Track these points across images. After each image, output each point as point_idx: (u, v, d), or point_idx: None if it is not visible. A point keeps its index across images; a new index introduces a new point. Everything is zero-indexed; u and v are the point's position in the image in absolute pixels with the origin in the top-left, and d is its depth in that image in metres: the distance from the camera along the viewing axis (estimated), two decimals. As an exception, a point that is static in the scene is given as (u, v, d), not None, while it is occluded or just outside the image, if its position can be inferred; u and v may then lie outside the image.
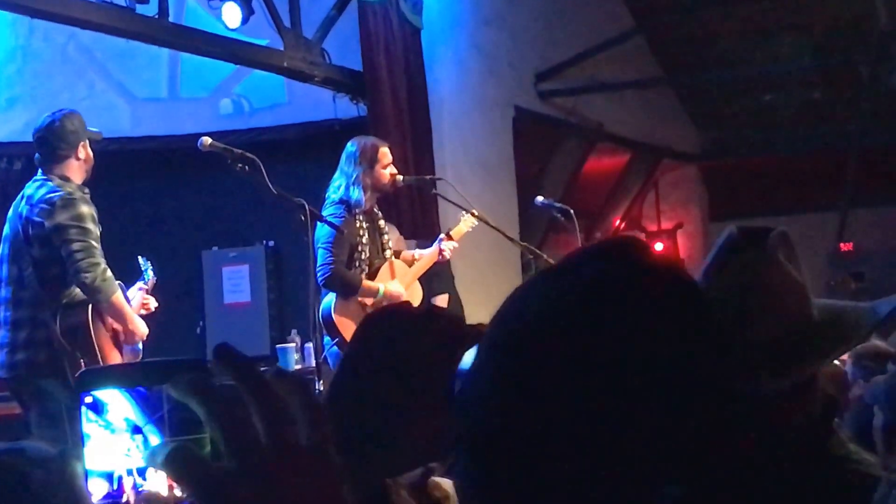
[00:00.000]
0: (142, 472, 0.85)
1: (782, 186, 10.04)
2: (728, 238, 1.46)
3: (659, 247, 10.35)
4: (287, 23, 6.20)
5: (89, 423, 0.82)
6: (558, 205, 5.85)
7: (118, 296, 4.07)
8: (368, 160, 4.82)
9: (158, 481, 0.87)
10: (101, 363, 3.99)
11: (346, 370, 0.92)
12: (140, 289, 4.42)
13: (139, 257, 4.60)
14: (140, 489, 0.85)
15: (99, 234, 4.11)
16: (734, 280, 1.42)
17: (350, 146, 4.90)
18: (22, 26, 6.75)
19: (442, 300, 5.56)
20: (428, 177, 5.96)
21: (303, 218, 4.40)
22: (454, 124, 7.16)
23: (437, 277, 5.48)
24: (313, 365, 4.80)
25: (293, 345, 5.61)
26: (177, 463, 0.65)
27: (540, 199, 5.92)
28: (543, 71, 8.24)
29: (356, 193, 4.78)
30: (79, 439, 0.84)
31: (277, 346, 5.73)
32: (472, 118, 7.41)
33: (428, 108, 6.85)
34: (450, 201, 5.52)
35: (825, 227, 9.38)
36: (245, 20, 5.93)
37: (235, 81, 7.21)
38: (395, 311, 0.96)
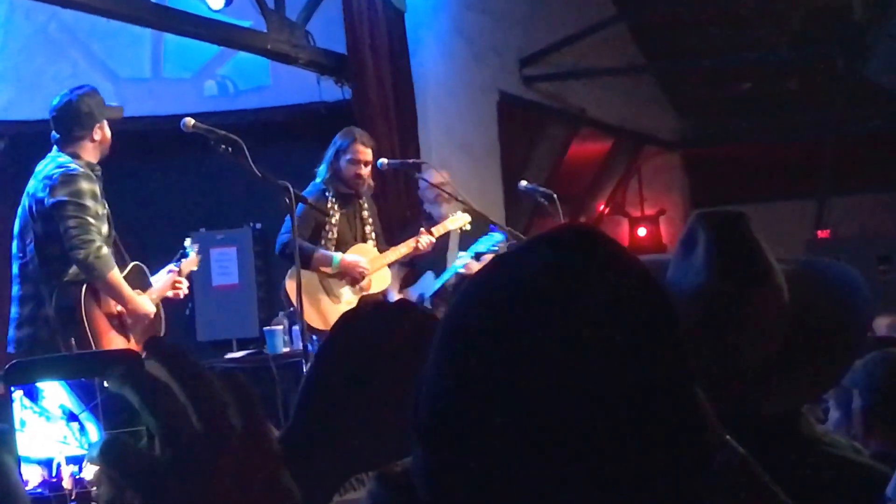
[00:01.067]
0: (79, 461, 0.84)
1: (761, 174, 10.11)
2: (713, 233, 1.36)
3: (642, 232, 10.46)
4: (271, 5, 6.15)
5: (24, 410, 0.81)
6: (542, 189, 5.86)
7: (114, 274, 4.01)
8: (336, 150, 5.02)
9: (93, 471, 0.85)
10: (93, 347, 3.94)
11: (320, 365, 0.92)
12: (170, 271, 4.39)
13: (187, 238, 4.59)
14: (78, 477, 0.85)
15: (102, 212, 4.07)
16: (728, 284, 1.33)
17: (339, 133, 5.11)
18: (2, 4, 6.67)
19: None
20: (412, 161, 5.98)
21: (287, 201, 4.41)
22: (439, 108, 7.15)
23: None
24: (301, 347, 4.83)
25: (280, 327, 5.58)
26: (112, 454, 0.65)
27: (524, 183, 5.91)
28: (527, 56, 8.25)
29: (322, 171, 5.04)
30: (10, 428, 0.83)
31: (265, 328, 5.71)
32: (456, 102, 7.40)
33: (413, 92, 6.81)
34: (434, 185, 5.54)
35: (803, 214, 9.48)
36: (229, 2, 5.90)
37: (219, 63, 7.16)
38: (368, 306, 0.97)
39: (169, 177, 7.03)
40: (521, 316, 0.74)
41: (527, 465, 0.72)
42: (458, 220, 5.40)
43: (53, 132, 4.15)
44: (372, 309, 0.95)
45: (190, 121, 4.31)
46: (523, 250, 0.80)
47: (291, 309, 4.78)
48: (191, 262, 4.58)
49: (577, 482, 0.72)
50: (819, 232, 9.44)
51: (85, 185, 4.03)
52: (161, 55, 7.10)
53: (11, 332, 4.09)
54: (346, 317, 0.94)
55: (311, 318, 4.84)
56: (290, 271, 4.82)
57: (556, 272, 0.75)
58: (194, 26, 5.93)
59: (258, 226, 6.91)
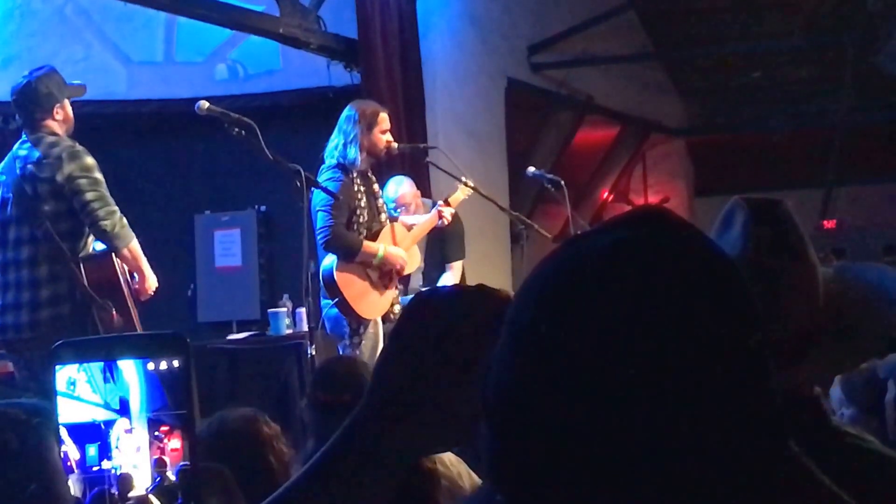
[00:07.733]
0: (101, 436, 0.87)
1: (768, 163, 10.10)
2: (752, 211, 1.37)
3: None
4: (283, -11, 6.21)
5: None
6: (550, 176, 5.89)
7: (136, 244, 4.10)
8: (367, 122, 4.90)
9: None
10: (133, 313, 4.04)
11: (395, 346, 0.91)
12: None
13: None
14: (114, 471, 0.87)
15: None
16: (764, 268, 1.32)
17: (349, 109, 4.98)
18: (20, -15, 6.75)
19: (457, 266, 5.63)
20: (422, 145, 5.99)
21: (298, 184, 4.38)
22: (447, 94, 7.18)
23: (449, 244, 5.58)
24: (305, 329, 4.86)
25: (285, 309, 5.62)
26: None
27: (532, 169, 5.95)
28: (536, 43, 8.27)
29: (353, 153, 4.84)
30: (52, 406, 0.87)
31: (269, 310, 5.74)
32: (464, 88, 7.42)
33: (421, 78, 6.84)
34: (442, 170, 5.58)
35: (809, 204, 9.46)
36: (241, -14, 5.95)
37: (231, 47, 7.19)
38: (445, 288, 0.96)
39: (176, 158, 7.08)
40: (589, 295, 0.72)
41: (592, 449, 0.70)
42: (467, 190, 5.38)
43: (16, 115, 4.17)
44: (450, 290, 0.94)
45: (204, 104, 4.33)
46: (594, 231, 0.78)
47: (337, 299, 4.74)
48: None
49: (643, 470, 0.69)
50: (825, 222, 9.42)
51: (90, 160, 4.07)
52: (174, 38, 7.15)
53: (25, 316, 4.07)
54: (423, 296, 0.93)
55: (363, 308, 4.84)
56: (336, 262, 4.80)
57: (626, 251, 0.73)
58: (207, 10, 5.97)
59: (263, 208, 6.93)
